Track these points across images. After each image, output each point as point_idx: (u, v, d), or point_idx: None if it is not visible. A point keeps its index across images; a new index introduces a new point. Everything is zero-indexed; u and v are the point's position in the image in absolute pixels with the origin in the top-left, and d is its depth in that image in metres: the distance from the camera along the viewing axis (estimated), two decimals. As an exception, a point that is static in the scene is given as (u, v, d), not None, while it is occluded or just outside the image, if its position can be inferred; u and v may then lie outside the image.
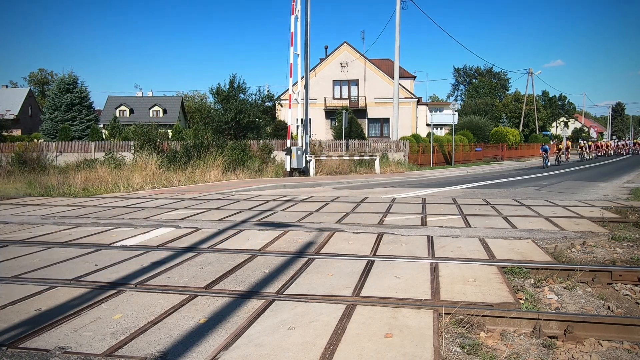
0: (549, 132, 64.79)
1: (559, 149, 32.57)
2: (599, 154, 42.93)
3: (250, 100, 26.30)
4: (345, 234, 6.30)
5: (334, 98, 38.14)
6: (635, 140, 57.28)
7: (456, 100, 70.79)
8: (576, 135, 66.37)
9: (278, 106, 32.26)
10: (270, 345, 2.91)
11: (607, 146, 46.68)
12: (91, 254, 5.38)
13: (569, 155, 33.32)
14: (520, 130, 52.90)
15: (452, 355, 2.92)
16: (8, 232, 6.92)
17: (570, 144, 35.34)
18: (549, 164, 27.82)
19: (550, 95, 72.07)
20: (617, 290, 4.47)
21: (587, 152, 38.12)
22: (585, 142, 41.32)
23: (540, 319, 3.40)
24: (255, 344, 2.92)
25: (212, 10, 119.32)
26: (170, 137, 27.02)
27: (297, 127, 20.69)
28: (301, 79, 19.45)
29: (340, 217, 7.77)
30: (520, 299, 3.99)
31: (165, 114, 55.58)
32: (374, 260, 4.88)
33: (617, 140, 55.48)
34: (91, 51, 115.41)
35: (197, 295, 3.85)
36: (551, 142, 45.05)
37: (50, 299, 3.78)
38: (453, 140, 28.84)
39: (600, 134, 79.32)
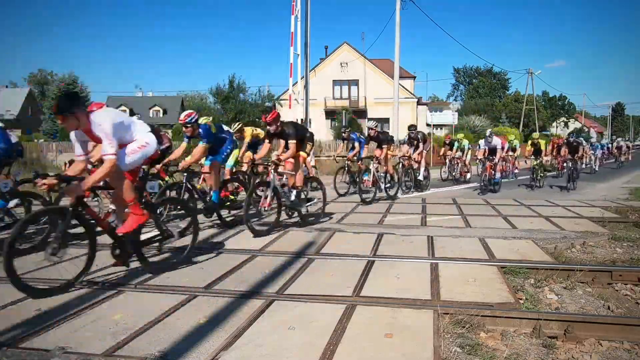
0: (548, 132, 64.73)
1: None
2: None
3: (250, 100, 26.35)
4: (346, 234, 6.30)
5: (334, 98, 38.11)
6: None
7: (456, 100, 70.66)
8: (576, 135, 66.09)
9: (278, 106, 32.23)
10: (271, 346, 2.91)
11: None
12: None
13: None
14: (520, 130, 52.88)
15: (452, 355, 2.92)
16: (8, 232, 6.90)
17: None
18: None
19: (551, 96, 72.05)
20: (617, 290, 4.48)
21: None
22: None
23: (540, 319, 3.40)
24: (255, 344, 2.92)
25: (211, 10, 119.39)
26: (170, 137, 27.04)
27: (297, 127, 20.65)
28: (301, 79, 19.42)
29: (341, 217, 7.76)
30: (520, 299, 3.99)
31: (165, 114, 55.55)
32: (374, 260, 4.88)
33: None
34: (91, 51, 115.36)
35: (197, 295, 3.85)
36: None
37: (51, 299, 3.77)
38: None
39: (600, 134, 79.02)
